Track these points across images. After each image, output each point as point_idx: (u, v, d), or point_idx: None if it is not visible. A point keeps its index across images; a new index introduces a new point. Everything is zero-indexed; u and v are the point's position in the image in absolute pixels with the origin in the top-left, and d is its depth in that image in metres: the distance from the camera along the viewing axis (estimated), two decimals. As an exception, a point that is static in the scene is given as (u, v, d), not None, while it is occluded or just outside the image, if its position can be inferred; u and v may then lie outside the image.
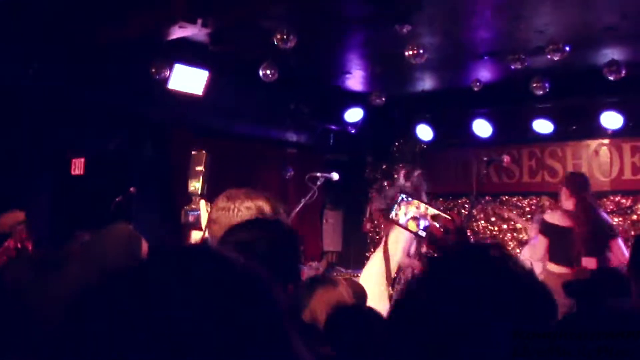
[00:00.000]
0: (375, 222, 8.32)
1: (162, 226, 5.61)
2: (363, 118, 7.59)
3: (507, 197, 7.47)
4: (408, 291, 1.05)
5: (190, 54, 5.63)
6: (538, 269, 4.63)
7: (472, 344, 0.91)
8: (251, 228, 1.64)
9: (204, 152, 2.57)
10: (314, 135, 7.79)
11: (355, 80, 7.02)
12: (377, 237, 8.42)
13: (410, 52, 5.08)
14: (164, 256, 0.78)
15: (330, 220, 8.50)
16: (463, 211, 7.69)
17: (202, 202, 2.40)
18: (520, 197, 7.52)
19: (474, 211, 7.21)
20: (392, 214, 1.98)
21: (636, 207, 6.84)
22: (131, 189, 5.24)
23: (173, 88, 5.69)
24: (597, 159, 6.98)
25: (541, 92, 5.93)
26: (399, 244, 5.29)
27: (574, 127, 6.93)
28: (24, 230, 4.29)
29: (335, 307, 2.15)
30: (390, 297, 5.20)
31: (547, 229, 4.61)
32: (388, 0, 4.45)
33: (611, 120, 6.50)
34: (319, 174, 5.30)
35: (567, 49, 5.01)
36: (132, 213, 5.11)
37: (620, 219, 6.71)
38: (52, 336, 0.90)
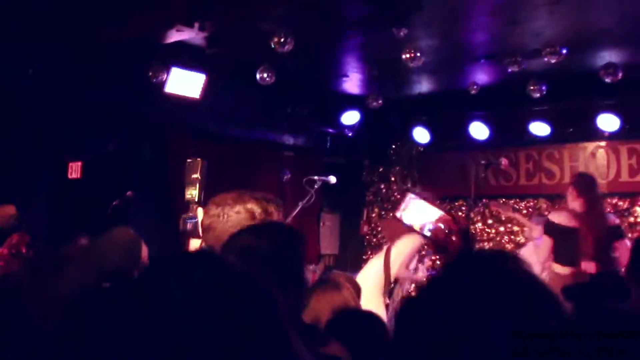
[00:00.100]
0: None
1: (159, 229, 5.59)
2: (360, 121, 7.59)
3: (504, 199, 7.48)
4: (415, 294, 1.05)
5: (187, 57, 5.63)
6: (537, 270, 4.62)
7: (475, 345, 0.90)
8: (254, 233, 1.64)
9: (199, 159, 2.56)
10: (311, 138, 7.79)
11: (352, 84, 7.03)
12: (375, 239, 8.43)
13: (407, 56, 5.09)
14: (164, 260, 0.79)
15: (328, 223, 8.49)
16: (460, 213, 7.69)
17: (200, 210, 2.40)
18: (518, 200, 7.53)
19: (472, 214, 7.21)
20: (398, 213, 1.99)
21: (633, 209, 6.85)
22: (128, 192, 5.23)
23: (170, 92, 5.69)
24: (594, 161, 6.99)
25: (538, 95, 5.94)
26: (401, 255, 5.26)
27: (570, 130, 6.94)
28: (17, 236, 4.28)
29: (337, 310, 2.15)
30: (386, 306, 5.18)
31: (552, 229, 4.56)
32: (387, 0, 4.45)
33: (608, 122, 6.52)
34: (316, 177, 5.30)
35: (564, 51, 5.03)
36: (130, 216, 5.10)
37: (617, 221, 6.71)
38: (53, 336, 0.90)
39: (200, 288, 0.73)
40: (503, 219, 7.26)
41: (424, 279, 5.67)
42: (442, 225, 1.89)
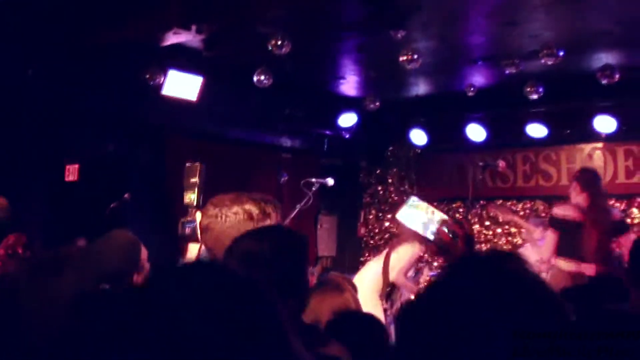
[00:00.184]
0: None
1: (156, 232, 5.58)
2: (357, 123, 7.60)
3: (501, 201, 7.49)
4: (416, 296, 1.05)
5: (184, 59, 5.62)
6: (537, 269, 4.60)
7: (476, 347, 0.90)
8: (257, 237, 1.64)
9: (197, 163, 2.56)
10: (308, 140, 7.79)
11: (349, 85, 7.03)
12: (372, 241, 8.43)
13: (405, 58, 5.10)
14: (167, 268, 0.80)
15: (325, 226, 8.49)
16: (458, 215, 7.70)
17: (198, 214, 2.40)
18: (515, 201, 7.54)
19: (469, 215, 7.22)
20: (401, 215, 1.98)
21: (630, 210, 6.87)
22: (126, 194, 5.22)
23: (167, 94, 5.68)
24: (591, 162, 7.00)
25: (535, 97, 5.95)
26: (401, 261, 5.25)
27: (568, 131, 6.96)
28: (14, 236, 4.26)
29: (338, 311, 2.15)
30: (384, 310, 5.18)
31: (556, 223, 4.50)
32: (384, 2, 4.46)
33: (605, 124, 6.53)
34: (314, 180, 5.29)
35: (561, 53, 5.04)
36: (127, 219, 5.08)
37: (621, 215, 6.70)
38: (56, 339, 0.90)
39: (202, 293, 0.74)
40: (501, 221, 7.26)
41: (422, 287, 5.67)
42: (446, 229, 1.88)
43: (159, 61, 5.47)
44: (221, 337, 0.71)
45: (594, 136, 6.78)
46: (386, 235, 8.33)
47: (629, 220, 6.79)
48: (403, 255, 5.14)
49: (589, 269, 4.27)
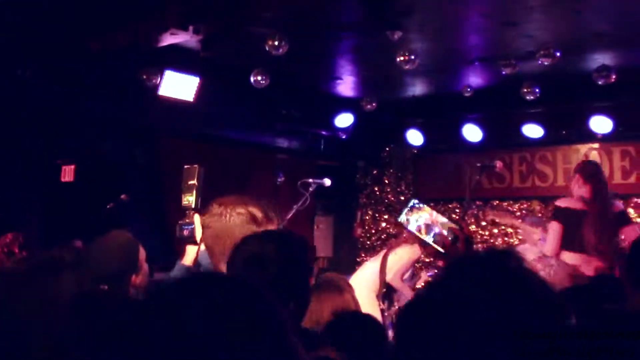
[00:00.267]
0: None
1: (153, 233, 5.57)
2: (354, 123, 7.60)
3: (497, 201, 7.50)
4: (416, 296, 1.05)
5: (180, 60, 5.62)
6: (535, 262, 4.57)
7: (476, 346, 0.90)
8: (261, 240, 1.65)
9: (196, 165, 2.56)
10: (305, 140, 7.79)
11: (346, 86, 7.04)
12: (368, 242, 8.43)
13: (402, 58, 5.10)
14: (172, 282, 0.81)
15: (321, 226, 8.49)
16: (454, 216, 7.71)
17: (197, 216, 2.41)
18: (511, 202, 7.55)
19: (465, 216, 7.23)
20: (403, 219, 1.98)
21: (626, 210, 6.88)
22: (122, 195, 5.20)
23: (164, 94, 5.67)
24: (587, 163, 7.02)
25: (532, 97, 5.97)
26: (398, 263, 5.26)
27: (564, 132, 6.98)
28: (11, 235, 4.25)
29: (337, 312, 2.15)
30: (382, 310, 5.18)
31: (560, 214, 4.45)
32: (381, 3, 4.46)
33: (601, 124, 6.55)
34: (311, 180, 5.29)
35: (558, 54, 5.05)
36: (124, 220, 5.07)
37: (623, 207, 6.70)
38: (54, 339, 0.90)
39: (203, 297, 0.75)
40: (500, 224, 7.25)
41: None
42: (445, 232, 1.88)
43: (155, 61, 5.46)
44: (223, 340, 0.72)
45: (590, 137, 6.80)
46: (383, 236, 8.34)
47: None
48: (401, 256, 5.14)
49: (594, 263, 4.24)
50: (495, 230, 7.64)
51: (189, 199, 2.55)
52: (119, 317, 0.77)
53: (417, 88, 7.02)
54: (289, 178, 7.12)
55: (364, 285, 5.29)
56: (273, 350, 0.75)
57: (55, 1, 4.48)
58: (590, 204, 4.38)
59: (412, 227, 1.98)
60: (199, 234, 2.31)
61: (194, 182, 2.56)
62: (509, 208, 7.41)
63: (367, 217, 8.54)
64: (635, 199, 6.94)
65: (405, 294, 5.33)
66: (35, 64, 5.07)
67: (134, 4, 4.59)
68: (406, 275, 5.43)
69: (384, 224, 8.36)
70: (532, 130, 6.93)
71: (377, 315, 4.89)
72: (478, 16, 4.85)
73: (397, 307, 5.27)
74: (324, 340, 1.81)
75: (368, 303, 5.00)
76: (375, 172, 8.54)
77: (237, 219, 1.94)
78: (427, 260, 6.52)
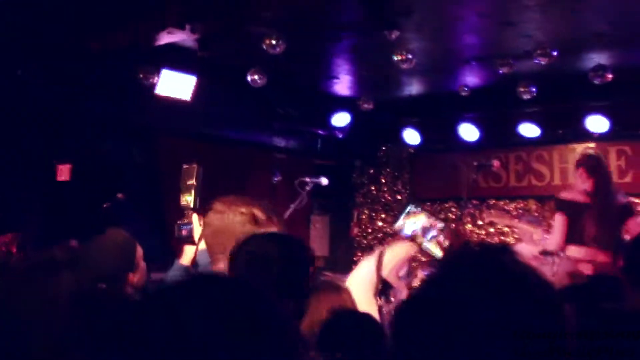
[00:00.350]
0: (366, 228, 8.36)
1: (150, 232, 5.56)
2: (351, 123, 7.60)
3: (494, 201, 7.52)
4: (411, 295, 1.04)
5: (178, 59, 5.60)
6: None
7: (473, 344, 0.90)
8: (262, 240, 1.67)
9: (195, 165, 2.57)
10: (301, 140, 7.78)
11: (343, 85, 7.04)
12: (365, 241, 8.43)
13: (399, 57, 5.11)
14: (177, 284, 0.81)
15: (318, 225, 8.49)
16: (451, 215, 7.72)
17: (195, 216, 2.42)
18: (507, 201, 7.57)
19: (462, 216, 7.23)
20: (399, 224, 1.99)
21: (631, 203, 6.88)
22: (119, 194, 5.19)
23: (161, 93, 5.66)
24: (583, 162, 7.04)
25: (528, 97, 5.98)
26: (394, 259, 5.28)
27: (560, 131, 6.99)
28: (11, 235, 4.24)
29: (333, 311, 2.15)
30: (379, 307, 5.20)
31: (564, 206, 4.40)
32: (378, 3, 4.46)
33: (597, 124, 6.57)
34: (308, 179, 5.30)
35: (555, 53, 5.06)
36: (121, 219, 5.06)
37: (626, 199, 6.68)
38: (54, 339, 0.89)
39: (209, 304, 0.75)
40: (499, 225, 7.24)
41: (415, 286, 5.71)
42: (442, 238, 1.89)
43: (152, 60, 5.45)
44: (223, 340, 0.71)
45: (586, 136, 6.82)
46: (379, 235, 8.34)
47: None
48: (398, 253, 5.16)
49: (599, 257, 4.21)
50: (492, 230, 7.65)
51: (188, 199, 2.55)
52: (119, 317, 0.77)
53: (414, 87, 7.02)
54: (286, 177, 7.12)
55: (361, 283, 5.30)
56: (274, 351, 0.75)
57: (53, 1, 4.47)
58: (593, 196, 4.34)
59: (408, 232, 2.00)
60: (197, 234, 2.31)
61: (192, 181, 2.57)
62: (505, 207, 7.42)
63: (364, 217, 8.54)
64: (631, 199, 6.96)
65: (401, 291, 5.35)
66: (33, 64, 5.06)
67: (134, 3, 4.58)
68: (402, 273, 5.44)
69: (380, 224, 8.36)
70: (529, 130, 6.95)
71: (375, 313, 4.90)
72: (475, 16, 4.86)
73: (393, 303, 5.29)
74: (305, 343, 1.82)
75: (365, 301, 5.01)
76: (371, 171, 8.55)
77: (238, 218, 1.95)
78: (423, 259, 6.53)
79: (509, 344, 0.88)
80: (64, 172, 6.09)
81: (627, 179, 6.91)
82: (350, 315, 2.21)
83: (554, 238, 4.52)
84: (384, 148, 8.45)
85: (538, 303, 0.93)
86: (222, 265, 1.83)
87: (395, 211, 7.79)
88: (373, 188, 8.55)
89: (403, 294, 5.49)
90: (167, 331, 0.71)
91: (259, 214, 1.97)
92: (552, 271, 4.34)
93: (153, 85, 5.54)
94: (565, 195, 4.57)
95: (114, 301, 1.42)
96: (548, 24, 4.94)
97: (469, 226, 7.65)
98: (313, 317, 2.10)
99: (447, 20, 5.06)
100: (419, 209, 1.78)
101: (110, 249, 2.44)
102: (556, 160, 7.29)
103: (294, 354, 0.79)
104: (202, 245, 2.22)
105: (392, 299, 5.30)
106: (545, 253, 4.66)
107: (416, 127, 7.65)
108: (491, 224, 7.61)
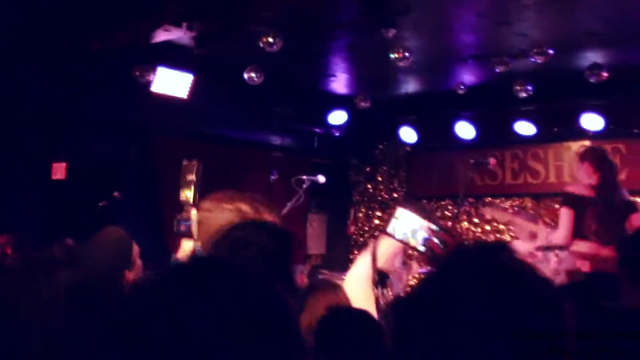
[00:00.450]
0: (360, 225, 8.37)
1: (147, 231, 5.55)
2: (347, 121, 7.60)
3: (490, 198, 7.53)
4: (409, 293, 1.04)
5: (174, 57, 5.59)
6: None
7: (470, 342, 0.90)
8: (244, 229, 1.65)
9: (195, 161, 2.59)
10: (298, 138, 7.78)
11: (339, 84, 7.03)
12: (361, 239, 8.44)
13: (396, 55, 5.11)
14: (185, 266, 0.80)
15: (315, 224, 8.49)
16: (447, 213, 7.73)
17: (194, 212, 2.42)
18: (503, 199, 7.58)
19: (458, 214, 7.25)
20: (390, 228, 1.98)
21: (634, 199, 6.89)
22: (115, 193, 5.18)
23: (157, 91, 5.65)
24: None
25: (524, 95, 6.00)
26: (389, 248, 5.32)
27: (556, 130, 7.01)
28: (6, 236, 4.23)
29: (330, 307, 2.15)
30: (376, 298, 5.23)
31: (570, 199, 4.35)
32: (376, 1, 4.46)
33: (592, 122, 6.59)
34: (305, 177, 5.30)
35: (551, 52, 5.08)
36: (117, 218, 5.05)
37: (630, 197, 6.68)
38: (52, 338, 0.88)
39: (210, 290, 0.74)
40: (500, 222, 7.23)
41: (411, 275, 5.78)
42: (435, 239, 1.88)
43: (148, 58, 5.43)
44: (225, 339, 0.71)
45: (581, 134, 6.84)
46: (375, 233, 8.34)
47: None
48: (392, 242, 5.20)
49: (606, 252, 4.18)
50: (488, 227, 7.67)
51: (187, 194, 2.56)
52: (117, 314, 0.76)
53: (411, 86, 7.03)
54: (282, 175, 7.11)
55: (359, 279, 5.31)
56: (282, 346, 0.75)
57: (52, 0, 4.45)
58: (598, 191, 4.31)
59: (399, 236, 1.99)
60: (195, 229, 2.32)
61: (192, 177, 2.58)
62: (501, 205, 7.43)
63: (361, 215, 8.55)
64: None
65: (398, 281, 5.41)
66: (30, 63, 5.04)
67: (133, 3, 4.57)
68: (397, 262, 5.49)
69: (377, 222, 8.37)
70: (525, 128, 6.96)
71: (373, 302, 4.95)
72: (472, 14, 4.87)
73: (390, 293, 5.34)
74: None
75: (365, 297, 5.04)
76: (368, 169, 8.55)
77: (227, 215, 1.94)
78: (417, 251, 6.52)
79: (509, 343, 0.87)
80: (59, 171, 6.07)
81: (622, 177, 6.92)
82: (348, 313, 2.21)
83: (561, 232, 4.47)
84: (380, 146, 8.46)
85: (537, 301, 0.93)
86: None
87: (392, 209, 7.81)
88: (370, 186, 8.56)
89: (399, 284, 5.55)
90: (166, 326, 0.70)
91: (245, 208, 1.95)
92: (551, 268, 4.34)
93: (149, 83, 5.53)
94: (571, 189, 4.53)
95: (111, 298, 1.41)
96: (544, 23, 4.95)
97: (465, 224, 7.67)
98: (311, 315, 2.11)
99: (444, 19, 5.07)
100: (408, 211, 1.79)
101: (106, 247, 2.44)
102: (551, 158, 7.31)
103: (300, 349, 0.79)
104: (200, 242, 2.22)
105: (389, 290, 5.33)
106: (547, 248, 4.65)
107: (413, 125, 7.66)
108: (487, 221, 7.62)
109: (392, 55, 5.10)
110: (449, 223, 6.99)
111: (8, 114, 5.32)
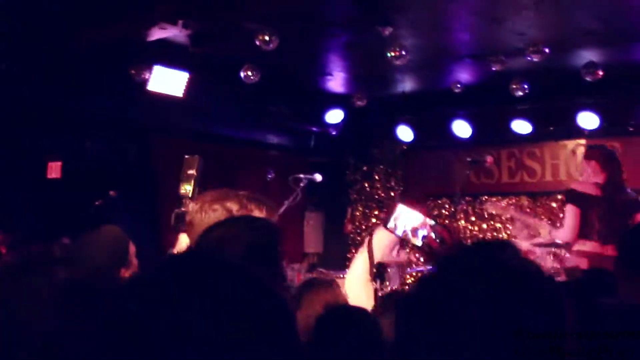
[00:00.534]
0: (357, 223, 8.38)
1: (143, 229, 5.54)
2: (344, 120, 7.60)
3: (486, 197, 7.55)
4: (414, 288, 1.04)
5: (170, 55, 5.58)
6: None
7: (474, 342, 0.89)
8: (230, 225, 1.64)
9: (197, 156, 2.61)
10: (295, 137, 7.78)
11: (336, 82, 7.03)
12: (359, 238, 8.44)
13: (393, 53, 5.11)
14: (176, 260, 0.79)
15: (311, 222, 8.49)
16: (444, 211, 7.74)
17: (192, 206, 2.42)
18: (500, 197, 7.59)
19: (455, 212, 7.26)
20: (390, 224, 1.98)
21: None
22: (111, 192, 5.17)
23: (153, 90, 5.64)
24: (575, 159, 7.08)
25: (520, 94, 6.00)
26: (384, 240, 5.39)
27: (551, 128, 7.03)
28: (1, 236, 4.22)
29: (327, 306, 2.15)
30: (375, 290, 5.27)
31: (576, 197, 4.29)
32: (372, 1, 4.46)
33: (588, 120, 6.61)
34: (302, 176, 5.31)
35: (547, 50, 5.08)
36: (113, 216, 5.04)
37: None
38: (50, 336, 0.88)
39: (210, 287, 0.73)
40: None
41: (406, 260, 5.84)
42: (434, 236, 1.89)
43: (144, 57, 5.42)
44: (229, 334, 0.70)
45: (577, 133, 6.86)
46: (372, 232, 8.35)
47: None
48: (385, 235, 5.25)
49: (609, 250, 4.14)
50: (485, 226, 7.68)
51: (187, 188, 2.57)
52: (115, 312, 0.76)
53: (407, 84, 7.03)
54: (279, 174, 7.11)
55: (359, 277, 5.41)
56: (279, 344, 0.74)
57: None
58: (604, 190, 4.26)
59: (399, 232, 1.99)
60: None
61: (193, 172, 2.59)
62: (498, 203, 7.45)
63: (358, 213, 8.55)
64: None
65: (395, 274, 5.47)
66: (26, 62, 5.02)
67: (128, 1, 4.56)
68: (394, 253, 5.57)
69: (374, 220, 8.37)
70: (521, 127, 6.97)
71: (372, 297, 5.02)
72: (468, 13, 4.87)
73: (388, 285, 5.37)
74: None
75: (367, 294, 5.13)
76: (365, 168, 8.55)
77: (212, 215, 1.93)
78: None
79: (509, 342, 0.87)
80: (54, 170, 6.05)
81: (619, 175, 6.96)
82: (346, 311, 2.21)
83: (565, 230, 4.42)
84: (377, 145, 8.46)
85: (538, 300, 0.92)
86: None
87: (392, 205, 7.82)
88: (366, 185, 8.56)
89: (398, 276, 5.63)
90: (165, 325, 0.69)
91: (233, 207, 1.94)
92: (548, 266, 4.33)
93: (145, 82, 5.52)
94: (577, 187, 4.47)
95: (108, 296, 1.41)
96: (540, 22, 4.95)
97: (462, 222, 7.68)
98: (309, 313, 2.10)
99: (440, 17, 5.07)
100: (408, 209, 1.79)
101: (102, 245, 2.44)
102: (548, 156, 7.33)
103: (297, 350, 0.78)
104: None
105: (388, 282, 5.37)
106: (545, 245, 4.62)
107: (409, 123, 7.66)
108: (484, 220, 7.64)
109: (388, 54, 5.10)
110: (446, 222, 7.01)
111: (3, 113, 5.29)
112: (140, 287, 0.74)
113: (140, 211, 6.22)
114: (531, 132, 6.99)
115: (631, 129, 6.63)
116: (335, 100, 7.44)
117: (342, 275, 6.02)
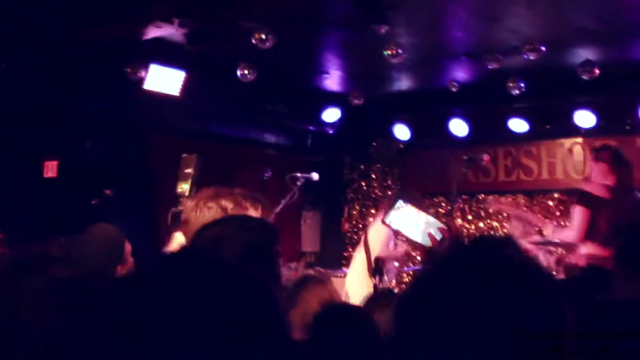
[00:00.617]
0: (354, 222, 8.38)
1: (140, 228, 5.52)
2: (341, 118, 7.60)
3: (483, 195, 7.56)
4: (412, 287, 1.03)
5: (166, 54, 5.57)
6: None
7: (474, 341, 0.89)
8: (224, 224, 1.63)
9: (194, 155, 2.61)
10: (292, 136, 7.77)
11: (333, 81, 7.03)
12: (355, 237, 8.45)
13: (389, 52, 5.11)
14: (171, 258, 0.79)
15: (309, 221, 8.49)
16: (441, 210, 7.75)
17: (188, 203, 2.41)
18: (497, 196, 7.59)
19: (452, 211, 7.26)
20: (388, 220, 1.96)
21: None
22: (107, 191, 5.15)
23: (149, 89, 5.62)
24: (571, 157, 7.10)
25: (517, 92, 6.01)
26: (380, 236, 5.42)
27: (548, 127, 7.04)
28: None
29: (324, 303, 2.15)
30: (374, 286, 5.30)
31: (585, 198, 4.21)
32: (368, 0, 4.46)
33: (584, 119, 6.62)
34: (299, 174, 5.30)
35: (544, 48, 5.09)
36: (109, 215, 5.03)
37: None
38: (48, 334, 0.88)
39: (207, 288, 0.73)
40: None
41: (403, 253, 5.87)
42: (433, 231, 1.87)
43: (140, 56, 5.41)
44: (225, 333, 0.70)
45: (574, 131, 6.87)
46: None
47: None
48: (380, 230, 5.28)
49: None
50: (482, 224, 7.70)
51: (184, 187, 2.57)
52: (113, 311, 0.75)
53: (404, 83, 7.03)
54: (276, 173, 7.10)
55: (359, 275, 5.44)
56: (272, 343, 0.74)
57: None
58: (612, 192, 4.21)
59: (396, 227, 1.97)
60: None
61: (190, 170, 2.59)
62: (497, 202, 7.45)
63: (355, 212, 8.56)
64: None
65: (393, 268, 5.51)
66: (23, 61, 5.00)
67: (127, 1, 4.54)
68: (391, 245, 5.61)
69: (371, 219, 8.37)
70: (517, 125, 6.98)
71: (371, 291, 5.05)
72: (464, 11, 4.87)
73: (386, 280, 5.40)
74: None
75: (365, 283, 5.17)
76: (362, 167, 8.56)
77: (207, 213, 1.93)
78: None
79: (509, 342, 0.86)
80: (51, 169, 6.04)
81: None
82: (342, 310, 2.21)
83: (573, 230, 4.34)
84: (374, 143, 8.46)
85: (538, 299, 0.92)
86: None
87: (391, 200, 7.84)
88: (364, 183, 8.57)
89: (396, 270, 5.67)
90: (162, 324, 0.69)
91: (227, 205, 1.93)
92: (545, 264, 4.32)
93: (141, 80, 5.51)
94: (587, 187, 4.38)
95: (104, 295, 1.40)
96: (537, 20, 4.96)
97: (459, 221, 7.69)
98: (303, 310, 2.10)
99: (437, 16, 5.07)
100: (407, 204, 1.78)
101: (98, 243, 2.43)
102: (544, 155, 7.34)
103: (288, 343, 0.78)
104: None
105: (386, 276, 5.39)
106: (542, 243, 4.60)
107: (406, 122, 7.67)
108: (481, 218, 7.65)
109: (385, 52, 5.10)
110: (443, 220, 6.99)
111: (3, 113, 5.28)
112: (137, 286, 0.74)
113: (138, 210, 6.21)
114: (528, 131, 7.00)
115: (628, 128, 6.65)
116: (332, 99, 7.44)
117: (339, 274, 6.04)
